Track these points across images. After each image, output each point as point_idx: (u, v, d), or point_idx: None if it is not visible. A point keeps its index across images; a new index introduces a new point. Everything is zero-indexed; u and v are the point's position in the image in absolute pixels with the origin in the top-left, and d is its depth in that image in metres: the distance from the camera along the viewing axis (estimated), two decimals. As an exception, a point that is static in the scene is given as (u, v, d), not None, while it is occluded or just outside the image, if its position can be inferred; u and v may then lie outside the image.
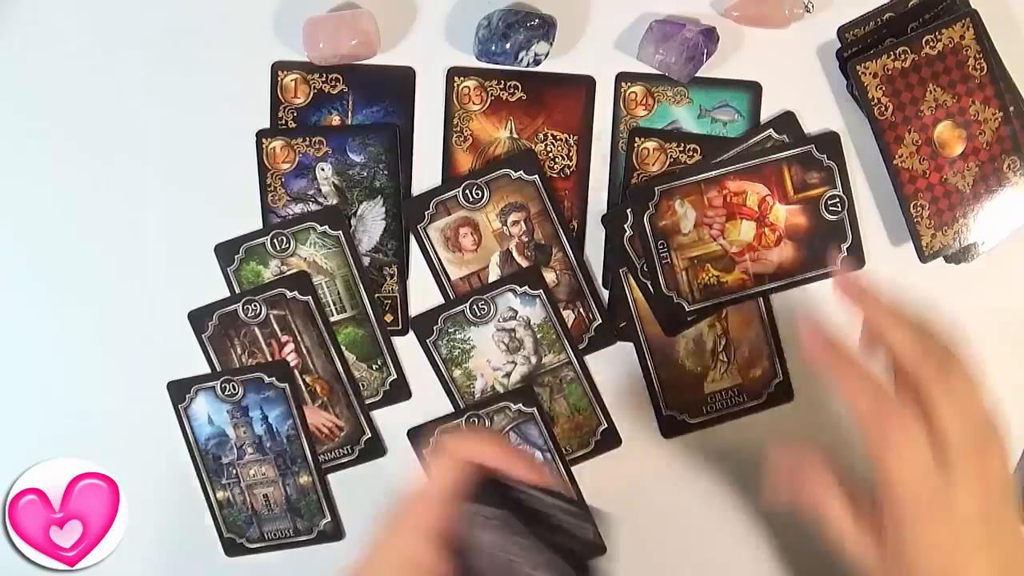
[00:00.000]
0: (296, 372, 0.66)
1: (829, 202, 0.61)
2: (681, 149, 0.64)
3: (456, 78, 0.64)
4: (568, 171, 0.64)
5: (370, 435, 0.66)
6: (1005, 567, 0.50)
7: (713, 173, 0.62)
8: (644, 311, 0.64)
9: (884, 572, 0.51)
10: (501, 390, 0.66)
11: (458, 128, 0.64)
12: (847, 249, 0.62)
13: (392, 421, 0.66)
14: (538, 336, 0.65)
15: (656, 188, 0.62)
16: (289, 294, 0.65)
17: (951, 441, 0.49)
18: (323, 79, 0.64)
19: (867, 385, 0.51)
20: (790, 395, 0.65)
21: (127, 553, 0.67)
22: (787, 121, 0.63)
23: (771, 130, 0.63)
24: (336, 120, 0.64)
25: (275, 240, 0.65)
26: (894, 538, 0.50)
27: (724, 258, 0.62)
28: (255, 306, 0.65)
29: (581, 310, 0.65)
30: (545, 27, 0.61)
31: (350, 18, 0.61)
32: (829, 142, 0.62)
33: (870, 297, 0.54)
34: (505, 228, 0.65)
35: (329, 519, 0.67)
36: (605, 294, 0.65)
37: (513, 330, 0.65)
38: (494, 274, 0.65)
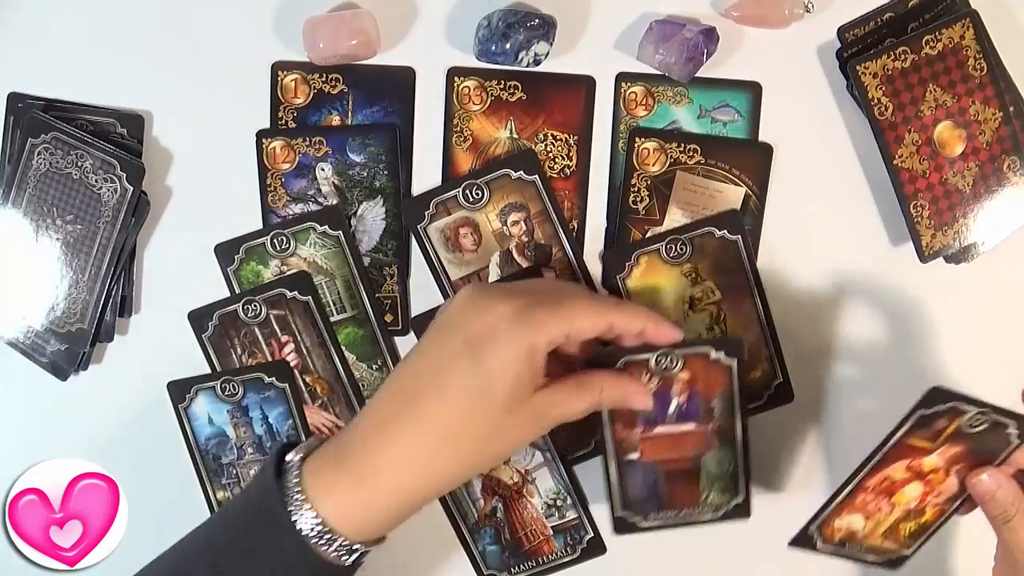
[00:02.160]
0: (296, 372, 0.66)
1: (971, 424, 0.57)
2: (681, 149, 0.64)
3: (456, 78, 0.64)
4: (568, 171, 0.64)
5: (370, 435, 0.66)
6: None
7: (848, 488, 0.59)
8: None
9: None
10: (501, 390, 0.66)
11: (458, 128, 0.64)
12: (1017, 434, 0.58)
13: (392, 421, 0.66)
14: (538, 336, 0.65)
15: (809, 530, 0.60)
16: (289, 294, 0.65)
17: None
18: (323, 79, 0.64)
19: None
20: (790, 396, 0.65)
21: (127, 553, 0.67)
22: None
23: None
24: (336, 120, 0.64)
25: (275, 240, 0.65)
26: None
27: (911, 512, 0.60)
28: (255, 306, 0.65)
29: (581, 310, 0.65)
30: (545, 27, 0.61)
31: (350, 18, 0.61)
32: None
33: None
34: (505, 228, 0.65)
35: (329, 519, 0.67)
36: (605, 294, 0.65)
37: (513, 330, 0.65)
38: (494, 274, 0.65)
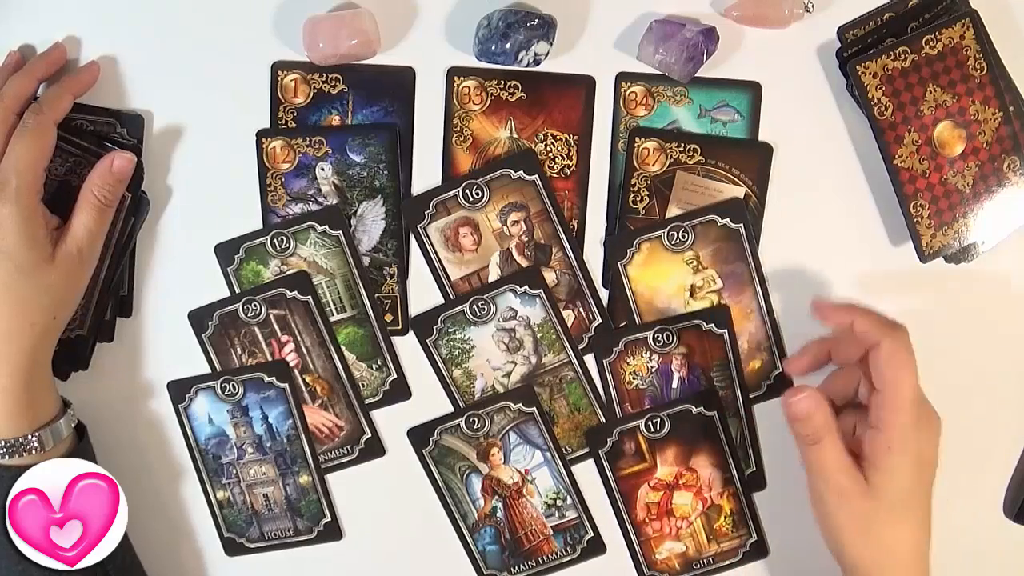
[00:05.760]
0: (296, 372, 0.66)
1: (650, 431, 0.64)
2: (681, 149, 0.64)
3: (456, 78, 0.64)
4: (568, 171, 0.64)
5: (370, 435, 0.66)
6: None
7: (629, 530, 0.66)
8: (643, 309, 0.64)
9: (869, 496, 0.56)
10: (501, 390, 0.66)
11: (458, 128, 0.64)
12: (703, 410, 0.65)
13: (392, 421, 0.67)
14: (538, 336, 0.65)
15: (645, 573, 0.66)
16: (289, 294, 0.65)
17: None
18: (323, 79, 0.64)
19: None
20: (790, 385, 0.65)
21: (127, 553, 0.67)
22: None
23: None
24: (336, 120, 0.64)
25: (275, 240, 0.65)
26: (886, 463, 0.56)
27: (706, 512, 0.65)
28: (255, 306, 0.65)
29: (581, 310, 0.65)
30: (545, 27, 0.61)
31: (350, 18, 0.61)
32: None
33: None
34: (505, 228, 0.65)
35: (329, 519, 0.67)
36: (605, 294, 0.65)
37: (513, 330, 0.65)
38: (494, 274, 0.65)
